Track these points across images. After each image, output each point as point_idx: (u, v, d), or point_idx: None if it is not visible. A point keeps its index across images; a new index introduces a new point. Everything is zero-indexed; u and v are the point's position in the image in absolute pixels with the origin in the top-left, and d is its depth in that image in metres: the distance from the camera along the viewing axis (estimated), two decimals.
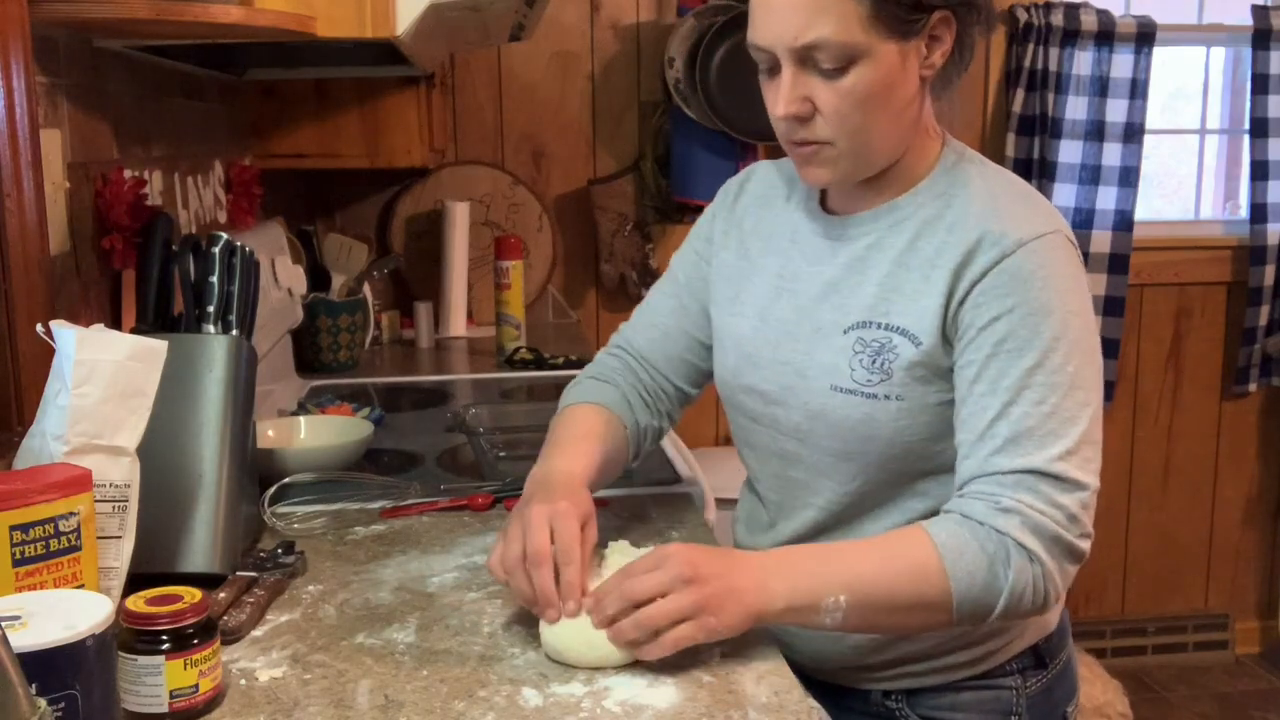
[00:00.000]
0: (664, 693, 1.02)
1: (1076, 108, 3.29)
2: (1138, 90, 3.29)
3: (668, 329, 1.40)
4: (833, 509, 1.25)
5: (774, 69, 1.16)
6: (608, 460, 1.31)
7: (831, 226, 1.25)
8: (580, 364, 1.49)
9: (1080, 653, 2.99)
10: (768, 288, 1.29)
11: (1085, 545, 1.09)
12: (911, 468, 1.20)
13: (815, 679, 1.22)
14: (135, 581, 1.13)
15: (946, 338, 1.15)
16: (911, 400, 1.16)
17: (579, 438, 1.31)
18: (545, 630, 1.10)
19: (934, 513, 1.16)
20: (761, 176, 1.38)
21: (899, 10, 1.10)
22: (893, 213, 1.21)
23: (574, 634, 1.08)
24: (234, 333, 1.37)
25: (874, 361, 1.17)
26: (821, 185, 1.23)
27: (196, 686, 0.98)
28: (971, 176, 1.20)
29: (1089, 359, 1.12)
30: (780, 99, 1.14)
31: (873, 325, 1.18)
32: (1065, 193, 3.33)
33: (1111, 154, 3.31)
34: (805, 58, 1.12)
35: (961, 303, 1.13)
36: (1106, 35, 3.25)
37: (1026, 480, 1.08)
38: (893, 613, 1.09)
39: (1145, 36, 3.26)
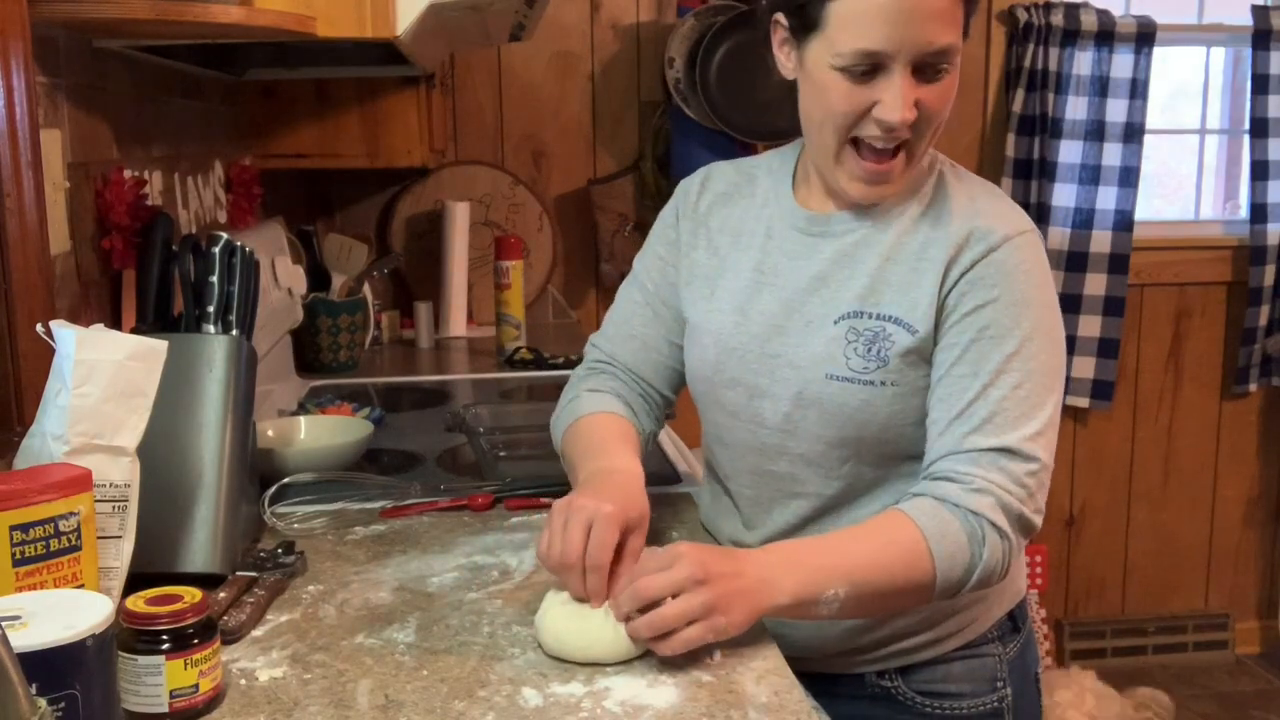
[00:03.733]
0: (664, 693, 1.02)
1: (1076, 108, 3.29)
2: (1138, 90, 3.29)
3: (646, 339, 1.41)
4: (822, 497, 1.28)
5: (869, 73, 1.15)
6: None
7: (813, 223, 1.29)
8: (580, 364, 1.49)
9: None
10: (745, 282, 1.31)
11: (1039, 520, 1.18)
12: (900, 451, 1.25)
13: (808, 670, 1.22)
14: (135, 581, 1.13)
15: (937, 325, 1.21)
16: (904, 385, 1.21)
17: (619, 438, 1.31)
18: (543, 627, 1.11)
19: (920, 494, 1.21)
20: (720, 175, 1.40)
21: (970, 15, 1.18)
22: (875, 209, 1.26)
23: (571, 629, 1.08)
24: (234, 333, 1.37)
25: (869, 350, 1.21)
26: (880, 201, 1.24)
27: (196, 686, 0.98)
28: (946, 178, 1.27)
29: (1057, 349, 1.21)
30: (900, 103, 1.15)
31: (865, 315, 1.22)
32: (1065, 193, 3.33)
33: (1111, 154, 3.31)
34: (925, 64, 1.15)
35: (950, 291, 1.20)
36: (1106, 35, 3.25)
37: (999, 459, 1.15)
38: (884, 598, 1.15)
39: (1145, 36, 3.26)
